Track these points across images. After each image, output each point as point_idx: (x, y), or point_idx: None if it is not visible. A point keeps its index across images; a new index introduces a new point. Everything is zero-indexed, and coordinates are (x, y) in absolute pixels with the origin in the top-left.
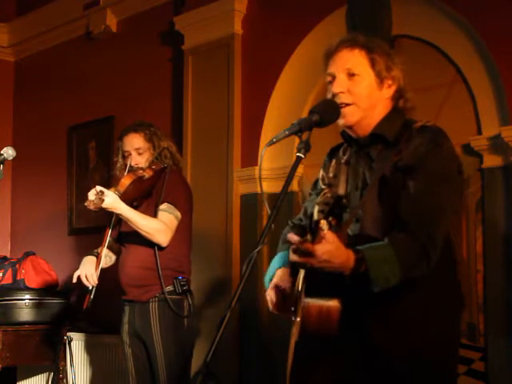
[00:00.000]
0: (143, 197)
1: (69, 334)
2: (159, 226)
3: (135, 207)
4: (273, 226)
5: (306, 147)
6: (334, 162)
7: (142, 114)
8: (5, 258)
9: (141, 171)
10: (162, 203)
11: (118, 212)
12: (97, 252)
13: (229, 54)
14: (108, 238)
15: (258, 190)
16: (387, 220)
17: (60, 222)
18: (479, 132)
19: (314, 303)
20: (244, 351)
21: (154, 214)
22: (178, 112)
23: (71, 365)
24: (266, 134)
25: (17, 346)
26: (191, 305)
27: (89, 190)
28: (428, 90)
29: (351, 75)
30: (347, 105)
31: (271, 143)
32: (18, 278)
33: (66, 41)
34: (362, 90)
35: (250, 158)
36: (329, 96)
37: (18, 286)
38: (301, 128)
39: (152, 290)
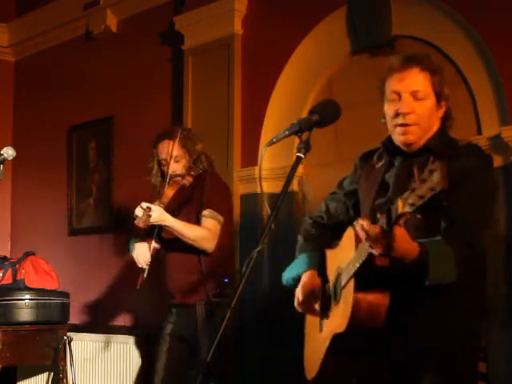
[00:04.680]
0: (183, 204)
1: (69, 334)
2: (204, 233)
3: (175, 214)
4: (273, 225)
5: (306, 147)
6: (367, 165)
7: (142, 114)
8: (5, 258)
9: (180, 178)
10: (204, 209)
11: (165, 224)
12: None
13: (229, 53)
14: (152, 250)
15: (258, 190)
16: (425, 228)
17: (60, 221)
18: (479, 132)
19: (364, 297)
20: (244, 351)
21: (196, 221)
22: (177, 112)
23: (71, 365)
24: (266, 134)
25: (17, 346)
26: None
27: (89, 189)
28: None
29: (417, 97)
30: (410, 125)
31: (271, 143)
32: (18, 278)
33: (65, 41)
34: (425, 112)
35: (250, 158)
36: (389, 112)
37: (18, 286)
38: (301, 128)
39: (198, 293)
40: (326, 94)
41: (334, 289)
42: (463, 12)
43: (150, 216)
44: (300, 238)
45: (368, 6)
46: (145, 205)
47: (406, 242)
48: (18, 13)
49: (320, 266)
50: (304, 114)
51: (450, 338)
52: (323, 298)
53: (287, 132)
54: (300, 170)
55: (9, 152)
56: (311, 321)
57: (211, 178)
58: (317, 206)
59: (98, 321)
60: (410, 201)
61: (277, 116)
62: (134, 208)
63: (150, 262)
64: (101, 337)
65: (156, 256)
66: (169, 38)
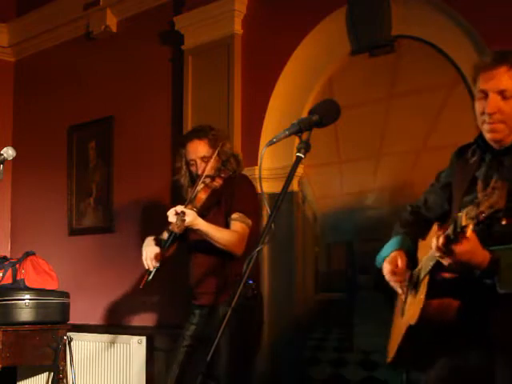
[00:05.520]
0: (212, 206)
1: (69, 334)
2: (234, 237)
3: (203, 216)
4: (273, 225)
5: (305, 147)
6: (461, 160)
7: (142, 114)
8: (5, 258)
9: (210, 179)
10: (233, 212)
11: (197, 228)
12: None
13: (229, 54)
14: (160, 259)
15: (258, 190)
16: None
17: (60, 221)
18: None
19: (436, 298)
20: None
21: (224, 223)
22: (177, 112)
23: (71, 365)
24: (266, 134)
25: (17, 346)
26: (261, 309)
27: (89, 189)
28: (428, 91)
29: (504, 96)
30: (496, 123)
31: (271, 143)
32: (18, 277)
33: (65, 41)
34: None
35: (250, 157)
36: (477, 110)
37: (18, 286)
38: (301, 128)
39: (222, 295)
40: (326, 94)
41: (416, 279)
42: (463, 12)
43: (184, 221)
44: (396, 224)
45: (368, 6)
46: (179, 209)
47: (472, 254)
48: (17, 13)
49: (410, 249)
50: (304, 114)
51: None
52: (409, 281)
53: (287, 132)
54: (300, 170)
55: (9, 152)
56: (399, 303)
57: (240, 181)
58: (317, 206)
59: (98, 321)
60: (472, 214)
61: (277, 116)
62: (134, 208)
63: (158, 267)
64: (101, 337)
65: (170, 257)
66: (169, 38)
